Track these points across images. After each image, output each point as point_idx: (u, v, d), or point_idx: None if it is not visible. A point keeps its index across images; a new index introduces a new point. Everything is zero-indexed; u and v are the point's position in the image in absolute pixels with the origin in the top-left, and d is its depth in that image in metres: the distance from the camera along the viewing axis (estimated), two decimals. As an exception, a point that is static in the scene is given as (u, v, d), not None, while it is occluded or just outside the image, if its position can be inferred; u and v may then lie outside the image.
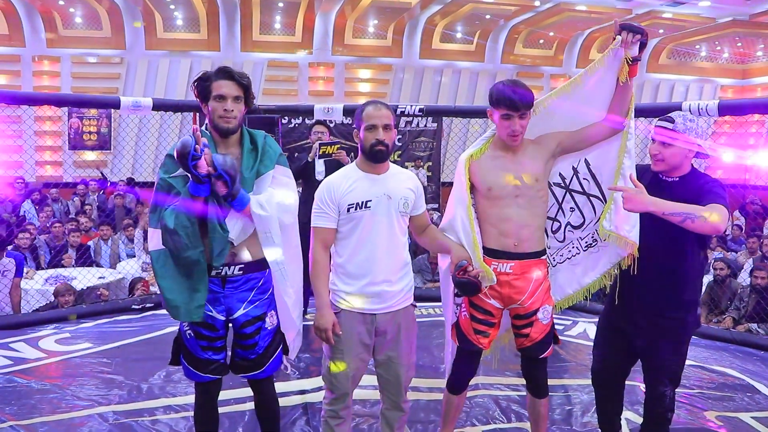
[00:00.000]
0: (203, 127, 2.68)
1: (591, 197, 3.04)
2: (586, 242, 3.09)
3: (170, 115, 6.79)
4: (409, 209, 2.82)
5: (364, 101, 2.90)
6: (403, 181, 2.82)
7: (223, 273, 2.62)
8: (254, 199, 2.57)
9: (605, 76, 2.82)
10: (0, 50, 13.40)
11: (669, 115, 2.78)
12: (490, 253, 2.89)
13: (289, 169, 2.77)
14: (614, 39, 2.76)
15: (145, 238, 7.83)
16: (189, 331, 2.67)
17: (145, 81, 13.89)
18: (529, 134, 2.89)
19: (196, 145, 2.34)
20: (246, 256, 2.65)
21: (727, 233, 9.89)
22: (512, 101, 2.70)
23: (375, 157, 2.72)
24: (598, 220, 3.03)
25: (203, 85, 2.60)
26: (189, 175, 2.42)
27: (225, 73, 2.59)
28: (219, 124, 2.57)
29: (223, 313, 2.65)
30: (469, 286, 2.79)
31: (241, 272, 2.65)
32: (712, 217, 2.46)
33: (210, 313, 2.62)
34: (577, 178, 3.05)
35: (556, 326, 3.05)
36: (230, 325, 2.72)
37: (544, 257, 2.93)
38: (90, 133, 13.80)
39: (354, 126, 2.82)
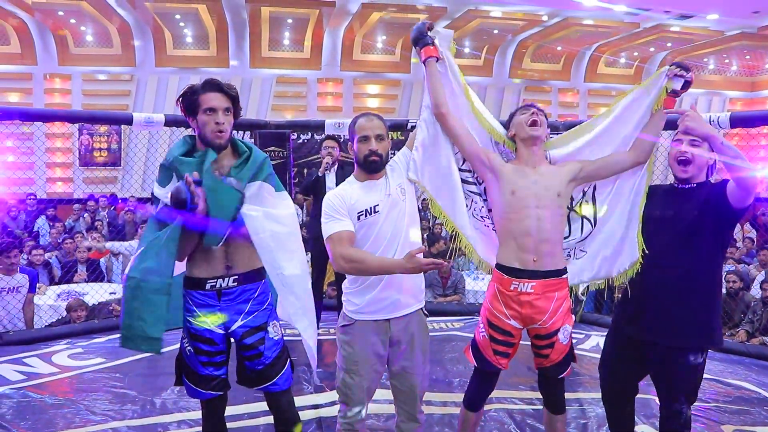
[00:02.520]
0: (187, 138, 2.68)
1: (584, 218, 3.07)
2: None
3: (180, 131, 6.80)
4: (406, 194, 2.81)
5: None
6: (393, 175, 2.84)
7: (217, 286, 2.61)
8: (246, 207, 2.59)
9: (641, 104, 2.90)
10: (12, 68, 13.52)
11: None
12: (510, 272, 2.85)
13: (278, 190, 2.75)
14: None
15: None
16: (189, 348, 2.66)
17: (154, 98, 13.97)
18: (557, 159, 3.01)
19: (193, 197, 2.37)
20: (240, 267, 2.65)
21: (738, 246, 9.83)
22: (528, 103, 2.90)
23: (369, 167, 2.75)
24: (581, 240, 3.08)
25: (190, 99, 2.56)
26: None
27: (213, 85, 2.57)
28: (213, 141, 2.55)
29: (221, 326, 2.64)
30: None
31: (236, 284, 2.64)
32: (754, 172, 2.52)
33: (208, 328, 2.62)
34: (581, 200, 3.08)
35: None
36: (232, 339, 2.70)
37: (565, 276, 2.90)
38: (100, 149, 13.87)
39: (348, 139, 2.84)
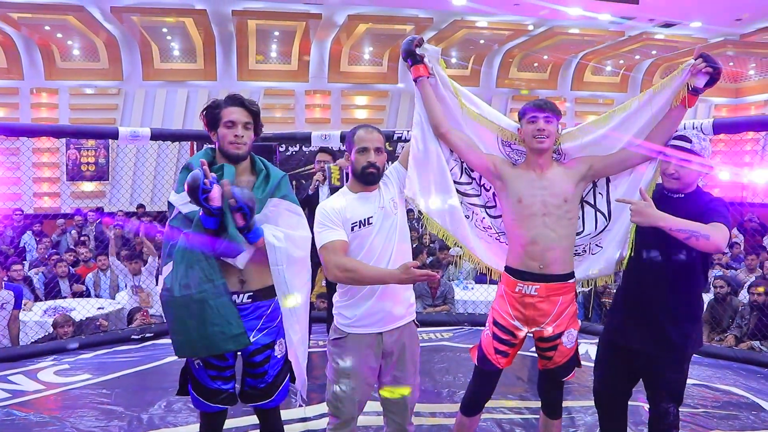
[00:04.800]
0: (208, 150, 2.68)
1: (598, 212, 3.05)
2: (575, 251, 3.09)
3: (167, 145, 6.79)
4: (398, 207, 2.82)
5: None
6: (386, 187, 2.85)
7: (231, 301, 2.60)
8: (269, 229, 2.57)
9: (660, 99, 2.79)
10: (-2, 83, 13.48)
11: (682, 134, 2.78)
12: (515, 273, 2.90)
13: (298, 206, 2.75)
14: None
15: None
16: (198, 361, 2.64)
17: (142, 111, 13.93)
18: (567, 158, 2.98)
19: (206, 179, 2.34)
20: (255, 283, 2.63)
21: (726, 252, 9.88)
22: (538, 104, 2.85)
23: (366, 179, 2.75)
24: (596, 235, 3.06)
25: (213, 112, 2.61)
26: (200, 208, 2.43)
27: (235, 99, 2.61)
28: (229, 150, 2.58)
29: None
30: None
31: (250, 300, 2.63)
32: (716, 236, 2.48)
33: None
34: (594, 191, 3.06)
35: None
36: (239, 353, 2.68)
37: (572, 281, 2.92)
38: (88, 164, 13.81)
39: (345, 149, 2.85)
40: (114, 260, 7.87)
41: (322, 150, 5.34)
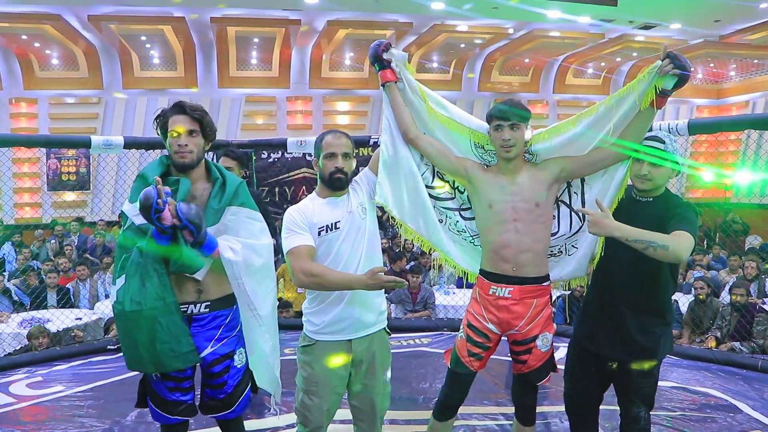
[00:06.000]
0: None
1: (573, 211, 3.03)
2: (551, 251, 3.06)
3: (149, 153, 6.70)
4: (367, 213, 2.80)
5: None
6: (355, 193, 2.83)
7: (189, 311, 2.56)
8: (224, 242, 2.53)
9: (628, 100, 2.74)
10: (-24, 94, 13.33)
11: (655, 134, 2.75)
12: (489, 276, 2.87)
13: (258, 212, 2.71)
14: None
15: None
16: (155, 372, 2.60)
17: (123, 120, 13.84)
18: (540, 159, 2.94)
19: (159, 199, 2.30)
20: (212, 293, 2.60)
21: (708, 253, 9.91)
22: (502, 111, 2.77)
23: (334, 185, 2.73)
24: (571, 235, 3.04)
25: (162, 122, 2.59)
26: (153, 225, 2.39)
27: (178, 108, 2.58)
28: (175, 160, 2.55)
29: None
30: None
31: (208, 310, 2.59)
32: (675, 246, 2.44)
33: None
34: (568, 191, 3.03)
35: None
36: (198, 364, 2.64)
37: (546, 283, 2.89)
38: (69, 173, 13.68)
39: (313, 155, 2.82)
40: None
41: (226, 155, 4.51)
